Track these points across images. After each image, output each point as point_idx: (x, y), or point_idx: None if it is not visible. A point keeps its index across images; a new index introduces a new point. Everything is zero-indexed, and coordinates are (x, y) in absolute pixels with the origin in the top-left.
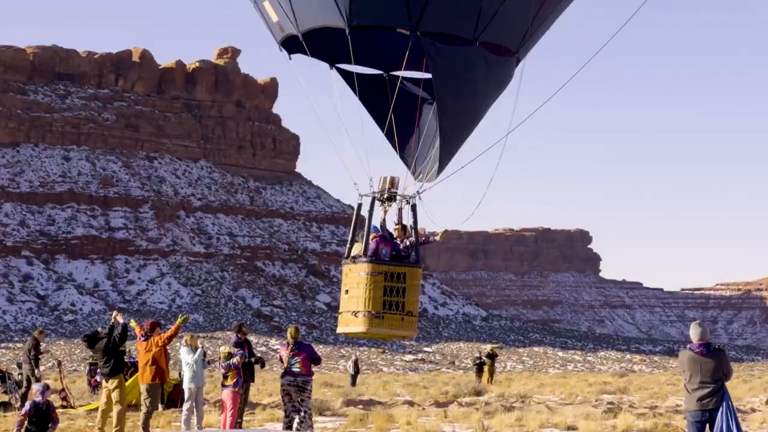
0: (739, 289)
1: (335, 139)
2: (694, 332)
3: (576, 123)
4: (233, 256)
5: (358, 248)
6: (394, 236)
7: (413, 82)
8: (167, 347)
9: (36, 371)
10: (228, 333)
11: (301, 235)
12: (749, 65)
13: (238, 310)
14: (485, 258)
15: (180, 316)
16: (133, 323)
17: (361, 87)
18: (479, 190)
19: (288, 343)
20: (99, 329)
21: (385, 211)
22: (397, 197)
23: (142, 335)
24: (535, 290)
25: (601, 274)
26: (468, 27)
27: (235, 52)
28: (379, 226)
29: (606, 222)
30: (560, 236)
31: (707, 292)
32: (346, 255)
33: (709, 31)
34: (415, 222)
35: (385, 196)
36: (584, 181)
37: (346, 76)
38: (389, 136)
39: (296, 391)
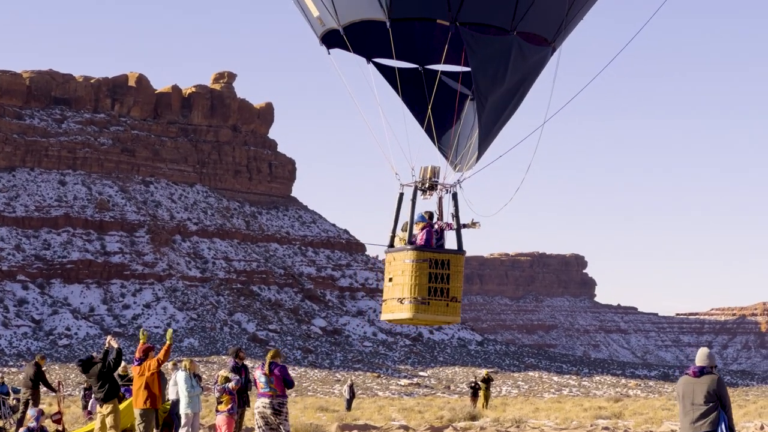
0: (734, 314)
1: (376, 132)
2: (696, 356)
3: (570, 147)
4: (229, 280)
5: (399, 238)
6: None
7: (449, 75)
8: (162, 371)
9: (39, 396)
10: (224, 357)
11: (296, 260)
12: (749, 83)
13: (234, 335)
14: (481, 282)
15: (167, 333)
16: (142, 336)
17: (399, 80)
18: (516, 179)
19: (263, 364)
20: (94, 354)
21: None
22: (438, 186)
23: (136, 360)
24: (531, 315)
25: (596, 299)
26: (505, 17)
27: (231, 76)
28: (420, 216)
29: (601, 247)
30: (555, 261)
31: (702, 317)
32: (389, 243)
33: (707, 50)
34: (457, 210)
35: (427, 185)
36: (579, 206)
37: (383, 70)
38: (427, 128)
39: (273, 414)
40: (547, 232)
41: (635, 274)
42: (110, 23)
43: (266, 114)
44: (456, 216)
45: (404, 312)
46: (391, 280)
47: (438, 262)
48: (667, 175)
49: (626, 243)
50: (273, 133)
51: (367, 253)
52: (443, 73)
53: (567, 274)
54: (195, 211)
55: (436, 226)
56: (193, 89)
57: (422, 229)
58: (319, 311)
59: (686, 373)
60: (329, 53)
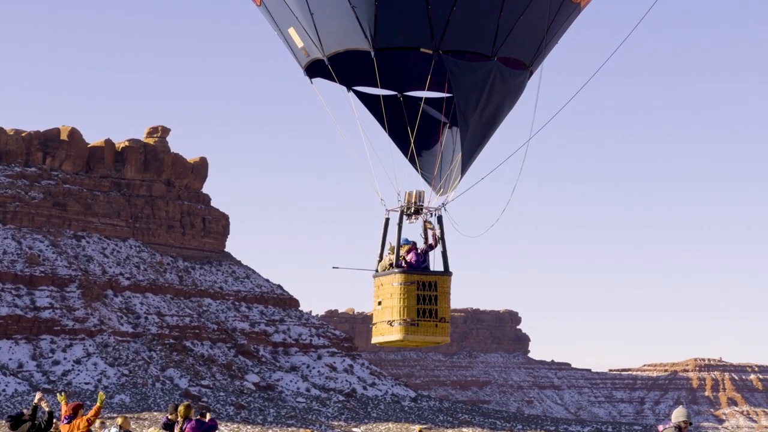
0: (666, 370)
1: (360, 158)
2: (674, 414)
3: (503, 205)
4: (161, 335)
5: (383, 264)
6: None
7: (429, 101)
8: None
9: None
10: (156, 414)
11: (230, 315)
12: (674, 143)
13: (166, 391)
14: None
15: (99, 396)
16: (60, 398)
17: (382, 107)
18: (501, 199)
19: (178, 421)
20: (24, 411)
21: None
22: (423, 210)
23: (65, 417)
24: (465, 371)
25: (530, 355)
26: (486, 43)
27: (165, 131)
28: (405, 239)
29: (535, 303)
30: (489, 317)
31: (635, 373)
32: (375, 269)
33: (638, 108)
34: (442, 232)
35: (412, 209)
36: (513, 262)
37: (363, 98)
38: (408, 153)
39: None
40: (481, 289)
41: (569, 330)
42: (43, 76)
43: (200, 168)
44: (441, 238)
45: (394, 334)
46: (380, 303)
47: (425, 284)
48: (599, 233)
49: (560, 299)
50: (207, 188)
51: (300, 308)
52: (422, 99)
53: (501, 330)
54: (127, 265)
55: (419, 249)
56: (127, 143)
57: (408, 252)
58: (252, 367)
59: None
60: (312, 82)
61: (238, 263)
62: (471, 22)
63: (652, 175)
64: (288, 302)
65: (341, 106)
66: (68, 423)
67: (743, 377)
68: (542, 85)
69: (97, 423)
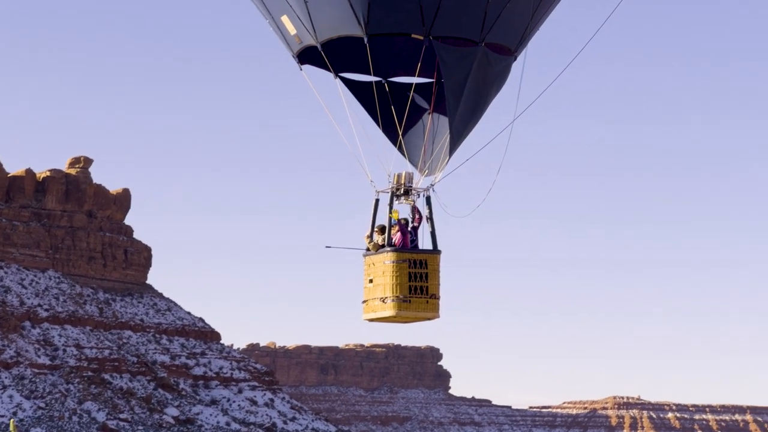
0: (585, 408)
1: (349, 141)
2: None
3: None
4: (80, 368)
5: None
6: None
7: (417, 87)
8: None
9: None
10: None
11: (150, 348)
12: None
13: (83, 424)
14: (335, 373)
15: (10, 424)
16: (12, 426)
17: (366, 94)
18: (487, 179)
19: None
20: None
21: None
22: (412, 191)
23: None
24: (385, 406)
25: (450, 391)
26: (474, 29)
27: (88, 161)
28: (394, 220)
29: (456, 339)
30: (410, 353)
31: (555, 410)
32: (366, 248)
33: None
34: (431, 212)
35: (401, 190)
36: None
37: (350, 85)
38: (394, 136)
39: None
40: (402, 324)
41: (490, 366)
42: None
43: (123, 200)
44: (430, 218)
45: (387, 310)
46: (371, 281)
47: (416, 262)
48: (520, 272)
49: (481, 336)
50: (129, 220)
51: (222, 341)
52: (408, 84)
53: (422, 366)
54: (46, 297)
55: (410, 227)
56: (48, 173)
57: (398, 232)
58: (171, 400)
59: None
60: (301, 69)
61: (160, 295)
62: (460, 9)
63: (577, 214)
64: (209, 335)
65: (327, 95)
66: None
67: (661, 415)
68: (526, 71)
69: None
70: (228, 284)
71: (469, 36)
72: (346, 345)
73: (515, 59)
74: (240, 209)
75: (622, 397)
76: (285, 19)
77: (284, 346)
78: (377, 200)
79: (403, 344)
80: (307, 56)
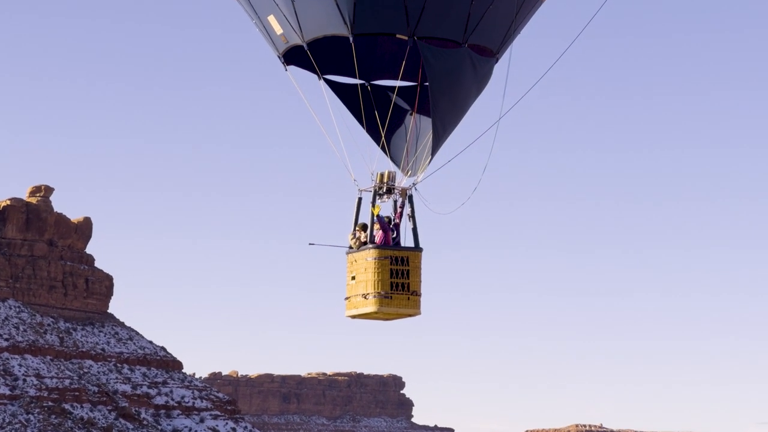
0: None
1: (333, 140)
2: None
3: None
4: (40, 398)
5: (353, 240)
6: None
7: (400, 90)
8: None
9: None
10: None
11: (111, 377)
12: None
13: None
14: (298, 402)
15: None
16: None
17: (349, 95)
18: (472, 178)
19: None
20: None
21: (382, 202)
22: (394, 190)
23: None
24: None
25: (413, 420)
26: (458, 31)
27: (48, 190)
28: (375, 215)
29: (419, 367)
30: (373, 381)
31: None
32: (349, 245)
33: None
34: (413, 211)
35: (384, 189)
36: (397, 326)
37: (333, 86)
38: (377, 137)
39: None
40: (364, 352)
41: (453, 394)
42: None
43: (84, 228)
44: (412, 216)
45: (369, 306)
46: (353, 278)
47: (398, 259)
48: (483, 299)
49: (444, 364)
50: (91, 248)
51: (184, 370)
52: (391, 87)
53: (385, 395)
54: (6, 326)
55: (392, 225)
56: (8, 202)
57: (380, 229)
58: (133, 430)
59: None
60: (286, 70)
61: (122, 324)
62: (444, 10)
63: (542, 244)
64: (171, 364)
65: (309, 96)
66: None
67: None
68: (510, 75)
69: None
70: (190, 313)
71: (452, 37)
72: (309, 374)
73: (497, 61)
74: (202, 236)
75: (585, 425)
76: (272, 19)
77: (246, 375)
78: (360, 199)
79: (365, 372)
80: (292, 57)
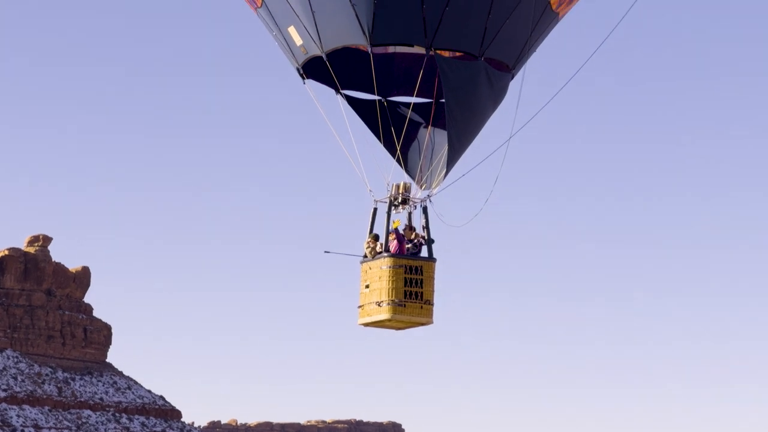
0: None
1: (350, 152)
2: None
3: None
4: None
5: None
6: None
7: (416, 105)
8: None
9: None
10: None
11: (110, 427)
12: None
13: None
14: None
15: None
16: None
17: (366, 111)
18: (483, 192)
19: None
20: None
21: (397, 213)
22: (410, 201)
23: None
24: None
25: None
26: (474, 43)
27: (47, 239)
28: (393, 228)
29: (419, 414)
30: (372, 428)
31: None
32: (363, 255)
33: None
34: (427, 222)
35: (399, 200)
36: (396, 372)
37: (350, 100)
38: (391, 149)
39: None
40: (364, 399)
41: None
42: None
43: (82, 278)
44: (426, 227)
45: (383, 314)
46: (367, 287)
47: (412, 268)
48: (487, 347)
49: (444, 409)
50: (89, 298)
51: (183, 419)
52: (406, 103)
53: None
54: (4, 377)
55: (407, 240)
56: (6, 252)
57: (395, 239)
58: None
59: None
60: (304, 83)
61: (120, 374)
62: (461, 22)
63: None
64: (170, 413)
65: (326, 110)
66: None
67: None
68: (523, 94)
69: None
70: (189, 361)
71: (468, 49)
72: (308, 421)
73: (512, 77)
74: (200, 285)
75: None
76: (292, 30)
77: (245, 423)
78: (375, 209)
79: (365, 420)
80: (310, 70)
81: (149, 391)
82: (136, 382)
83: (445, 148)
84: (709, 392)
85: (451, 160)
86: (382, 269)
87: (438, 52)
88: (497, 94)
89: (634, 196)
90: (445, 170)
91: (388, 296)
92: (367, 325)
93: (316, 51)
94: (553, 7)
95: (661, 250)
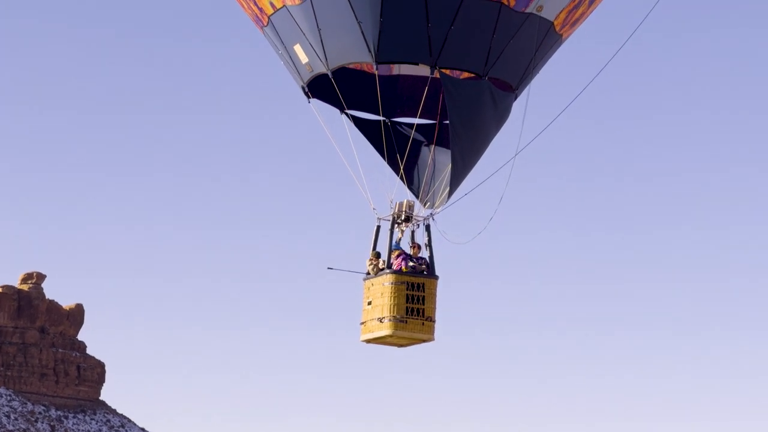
0: None
1: (354, 172)
2: None
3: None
4: None
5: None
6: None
7: (420, 126)
8: None
9: None
10: None
11: None
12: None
13: None
14: None
15: None
16: None
17: (371, 131)
18: (488, 209)
19: None
20: None
21: (402, 231)
22: (413, 219)
23: None
24: None
25: None
26: (479, 62)
27: (41, 277)
28: (396, 245)
29: None
30: None
31: None
32: (366, 272)
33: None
34: (430, 240)
35: (402, 217)
36: (395, 415)
37: (354, 120)
38: (395, 168)
39: None
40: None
41: None
42: None
43: (76, 315)
44: (429, 245)
45: (384, 330)
46: (369, 303)
47: (414, 285)
48: (488, 380)
49: None
50: (83, 335)
51: None
52: (410, 124)
53: None
54: None
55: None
56: (0, 289)
57: (398, 257)
58: None
59: None
60: (309, 102)
61: (114, 412)
62: (466, 41)
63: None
64: None
65: (331, 129)
66: None
67: None
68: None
69: None
70: (184, 399)
71: (473, 68)
72: None
73: (516, 97)
74: (195, 322)
75: None
76: (298, 48)
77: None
78: (378, 227)
79: None
80: (315, 89)
81: (143, 429)
82: (129, 420)
83: (449, 167)
84: (709, 392)
85: (455, 179)
86: (384, 285)
87: (442, 70)
88: (501, 114)
89: (639, 211)
90: (448, 189)
91: (390, 312)
92: (368, 341)
93: (321, 68)
94: (557, 29)
95: (678, 272)
